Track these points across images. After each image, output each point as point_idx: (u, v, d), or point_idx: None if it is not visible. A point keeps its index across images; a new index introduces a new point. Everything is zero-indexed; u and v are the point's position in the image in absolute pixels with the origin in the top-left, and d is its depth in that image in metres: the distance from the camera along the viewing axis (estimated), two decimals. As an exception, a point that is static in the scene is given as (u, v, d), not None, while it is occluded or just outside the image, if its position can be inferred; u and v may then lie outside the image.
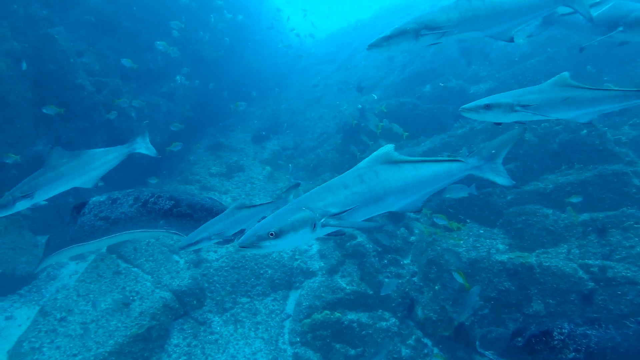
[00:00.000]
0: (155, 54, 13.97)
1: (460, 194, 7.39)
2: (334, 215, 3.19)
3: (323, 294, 7.73)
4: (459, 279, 6.60)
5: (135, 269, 8.20)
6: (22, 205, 4.93)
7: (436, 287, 7.43)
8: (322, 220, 3.15)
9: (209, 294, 8.01)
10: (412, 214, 8.97)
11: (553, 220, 7.37)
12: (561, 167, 8.13)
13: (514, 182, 3.84)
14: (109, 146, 11.44)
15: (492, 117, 4.35)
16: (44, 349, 6.80)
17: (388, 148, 3.65)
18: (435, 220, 8.02)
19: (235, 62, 17.85)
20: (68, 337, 6.95)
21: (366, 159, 3.64)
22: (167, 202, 5.07)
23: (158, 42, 11.92)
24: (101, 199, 5.06)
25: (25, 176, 5.10)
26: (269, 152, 13.52)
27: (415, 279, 7.89)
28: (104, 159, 5.27)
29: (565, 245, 6.99)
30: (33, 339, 6.95)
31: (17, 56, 10.54)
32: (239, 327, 7.64)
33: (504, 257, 6.99)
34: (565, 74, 4.46)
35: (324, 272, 8.34)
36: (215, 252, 8.65)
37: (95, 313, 7.26)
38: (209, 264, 8.36)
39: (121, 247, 8.82)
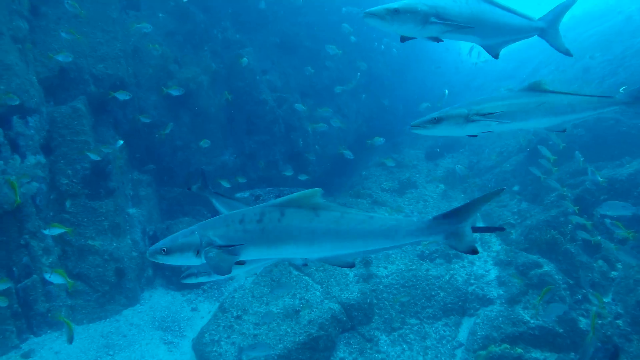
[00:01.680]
0: (331, 71, 14.43)
1: (620, 213, 6.77)
2: (220, 247, 3.14)
3: (502, 325, 6.94)
4: None
5: (306, 278, 8.29)
6: None
7: (649, 335, 6.13)
8: (206, 249, 3.14)
9: (377, 311, 7.71)
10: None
11: None
12: None
13: (477, 252, 3.12)
14: (287, 159, 12.01)
15: (444, 131, 4.11)
16: (222, 343, 7.17)
17: (313, 191, 3.18)
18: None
19: (408, 78, 17.60)
20: (242, 335, 7.25)
21: (286, 196, 3.25)
22: None
23: (328, 46, 11.80)
24: (245, 195, 5.25)
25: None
26: (442, 169, 12.91)
27: (619, 321, 6.63)
28: None
29: None
30: (213, 332, 7.39)
31: (213, 75, 11.73)
32: (406, 349, 7.20)
33: None
34: (543, 79, 4.08)
35: (503, 300, 7.50)
36: (386, 268, 8.36)
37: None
38: (378, 280, 8.10)
39: (293, 255, 9.03)
